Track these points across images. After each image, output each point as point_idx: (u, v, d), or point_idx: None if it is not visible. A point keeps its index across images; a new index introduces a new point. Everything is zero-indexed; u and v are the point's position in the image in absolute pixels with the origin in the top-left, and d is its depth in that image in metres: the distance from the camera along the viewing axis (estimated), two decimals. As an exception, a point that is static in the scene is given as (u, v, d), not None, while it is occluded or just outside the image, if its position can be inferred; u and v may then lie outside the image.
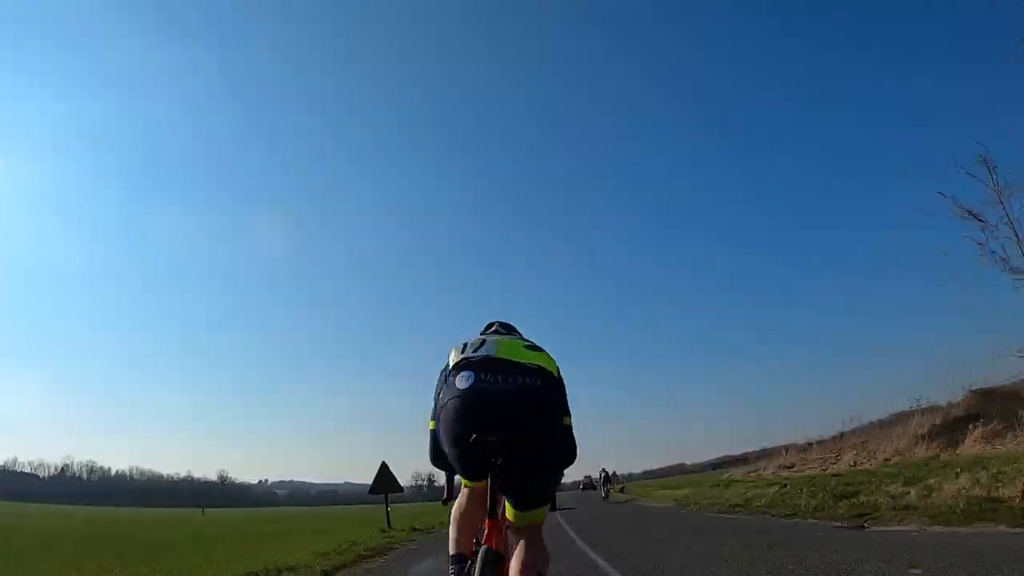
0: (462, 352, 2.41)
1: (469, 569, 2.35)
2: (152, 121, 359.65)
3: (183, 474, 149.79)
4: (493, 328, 2.80)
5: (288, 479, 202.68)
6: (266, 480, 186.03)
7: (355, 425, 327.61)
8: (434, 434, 2.56)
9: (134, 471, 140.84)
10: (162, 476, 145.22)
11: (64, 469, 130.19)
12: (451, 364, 2.40)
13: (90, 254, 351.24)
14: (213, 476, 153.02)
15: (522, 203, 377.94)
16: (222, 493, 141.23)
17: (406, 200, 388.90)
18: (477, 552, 2.25)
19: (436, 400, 2.48)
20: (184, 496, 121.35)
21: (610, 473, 33.22)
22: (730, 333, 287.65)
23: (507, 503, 2.43)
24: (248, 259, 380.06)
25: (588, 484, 51.05)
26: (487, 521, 2.29)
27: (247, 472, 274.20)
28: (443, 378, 2.46)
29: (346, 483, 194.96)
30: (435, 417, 2.48)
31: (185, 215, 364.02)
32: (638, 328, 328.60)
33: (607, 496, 28.99)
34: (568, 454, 2.46)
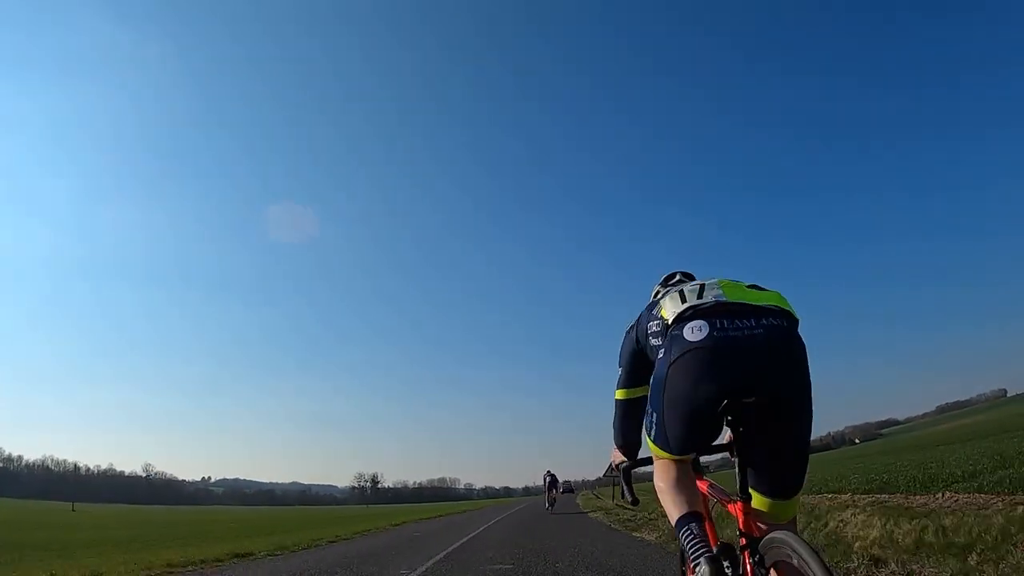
0: (683, 301, 1.87)
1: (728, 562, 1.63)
2: (110, 108, 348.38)
3: (104, 466, 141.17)
4: (677, 278, 2.34)
5: (233, 477, 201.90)
6: (209, 478, 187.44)
7: (299, 424, 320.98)
8: (627, 404, 2.25)
9: (48, 460, 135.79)
10: (77, 467, 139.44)
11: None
12: (670, 317, 1.86)
13: (33, 241, 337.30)
14: (138, 470, 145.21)
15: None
16: (149, 488, 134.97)
17: (376, 200, 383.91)
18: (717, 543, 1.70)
19: (627, 361, 2.20)
20: (103, 490, 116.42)
21: (558, 480, 27.86)
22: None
23: (755, 492, 1.82)
24: (197, 255, 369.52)
25: (568, 488, 46.77)
26: (739, 504, 1.75)
27: (190, 469, 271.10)
28: (645, 334, 2.06)
29: (294, 483, 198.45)
30: (626, 384, 2.23)
31: (131, 207, 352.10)
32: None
33: (551, 506, 24.88)
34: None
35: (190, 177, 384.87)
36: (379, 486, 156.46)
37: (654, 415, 1.84)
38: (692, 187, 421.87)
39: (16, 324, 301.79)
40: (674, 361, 1.71)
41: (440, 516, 28.51)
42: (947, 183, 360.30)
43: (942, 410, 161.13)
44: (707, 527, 1.87)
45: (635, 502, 2.33)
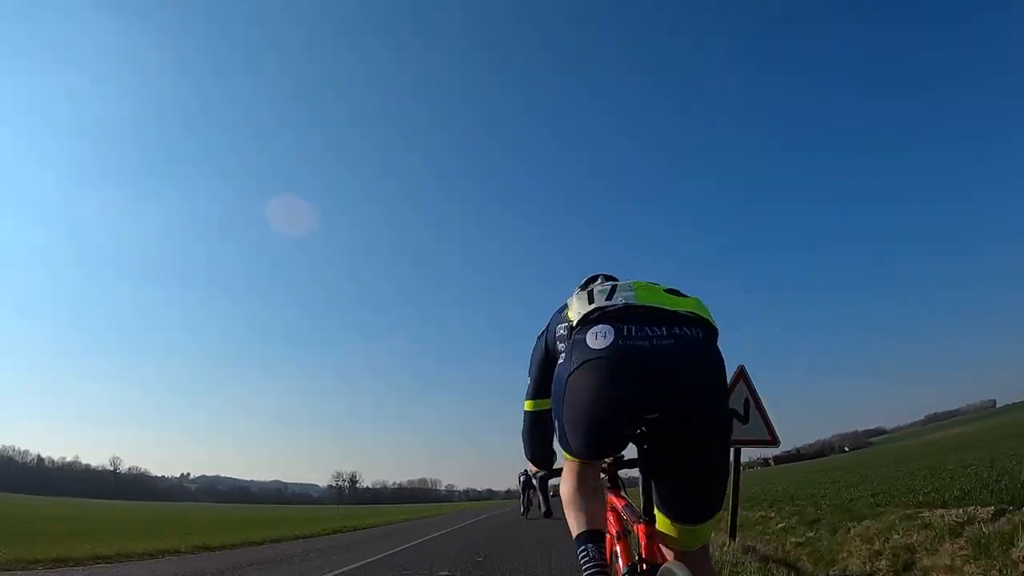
0: (590, 302, 1.68)
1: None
2: (104, 102, 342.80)
3: (69, 458, 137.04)
4: (598, 281, 2.05)
5: (214, 474, 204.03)
6: (188, 474, 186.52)
7: (287, 422, 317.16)
8: (535, 416, 2.13)
9: (10, 450, 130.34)
10: (40, 458, 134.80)
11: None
12: (574, 319, 1.69)
13: (24, 234, 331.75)
14: (105, 463, 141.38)
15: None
16: (116, 483, 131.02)
17: (366, 201, 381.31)
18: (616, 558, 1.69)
19: (537, 370, 2.07)
20: (68, 483, 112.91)
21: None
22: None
23: (661, 515, 1.71)
24: (183, 250, 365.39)
25: (557, 492, 43.33)
26: (641, 526, 1.64)
27: (171, 465, 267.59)
28: (555, 338, 1.92)
29: (275, 481, 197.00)
30: (535, 395, 2.10)
31: (114, 199, 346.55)
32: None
33: (526, 511, 22.24)
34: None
35: (177, 174, 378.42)
36: (357, 486, 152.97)
37: (556, 421, 1.70)
38: (673, 193, 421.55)
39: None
40: (574, 370, 1.55)
41: (388, 524, 25.42)
42: (940, 194, 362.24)
43: (930, 420, 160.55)
44: (620, 546, 1.74)
45: (547, 513, 2.22)
